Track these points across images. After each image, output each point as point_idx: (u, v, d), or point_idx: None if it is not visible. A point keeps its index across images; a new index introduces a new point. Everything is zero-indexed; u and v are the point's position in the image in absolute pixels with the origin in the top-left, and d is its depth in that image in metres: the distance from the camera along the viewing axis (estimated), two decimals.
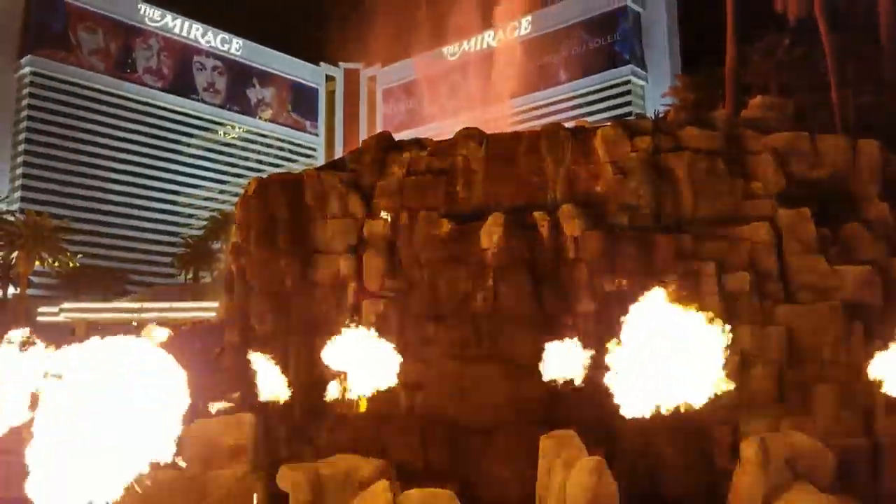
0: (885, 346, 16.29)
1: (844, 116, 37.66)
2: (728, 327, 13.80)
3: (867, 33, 39.60)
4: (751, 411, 17.82)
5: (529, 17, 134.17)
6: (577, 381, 17.95)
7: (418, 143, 24.13)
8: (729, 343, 13.68)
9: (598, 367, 17.98)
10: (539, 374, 18.33)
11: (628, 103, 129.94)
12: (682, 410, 13.36)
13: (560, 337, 18.98)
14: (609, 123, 23.63)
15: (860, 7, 39.81)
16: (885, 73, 36.90)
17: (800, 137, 22.14)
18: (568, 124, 25.86)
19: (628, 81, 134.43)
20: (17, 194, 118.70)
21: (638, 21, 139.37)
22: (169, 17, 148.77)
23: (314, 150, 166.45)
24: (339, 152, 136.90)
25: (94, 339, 7.38)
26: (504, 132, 25.47)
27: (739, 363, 18.37)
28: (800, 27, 42.05)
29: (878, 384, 16.32)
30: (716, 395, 13.56)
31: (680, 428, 17.35)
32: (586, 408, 17.43)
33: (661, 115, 47.09)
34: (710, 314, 13.76)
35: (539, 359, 18.36)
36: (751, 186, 21.40)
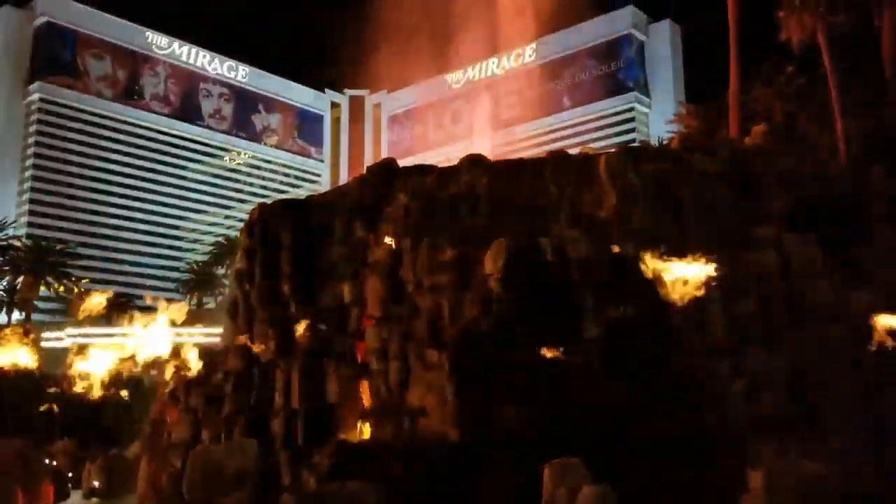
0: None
1: (849, 143, 37.69)
2: None
3: (870, 60, 39.78)
4: (759, 437, 17.66)
5: (533, 45, 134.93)
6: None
7: (423, 170, 24.21)
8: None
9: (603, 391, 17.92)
10: (544, 401, 18.22)
11: (632, 130, 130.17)
12: None
13: (565, 363, 18.92)
14: (614, 149, 23.71)
15: (863, 34, 40.02)
16: (888, 100, 36.99)
17: (805, 163, 22.19)
18: (572, 151, 25.94)
19: (632, 108, 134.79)
20: (24, 219, 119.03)
21: (641, 49, 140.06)
22: (176, 45, 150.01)
23: (319, 175, 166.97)
24: (343, 178, 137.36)
25: None
26: (508, 158, 25.56)
27: (747, 388, 18.29)
28: (803, 55, 42.25)
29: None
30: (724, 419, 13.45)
31: (687, 454, 17.21)
32: (592, 434, 17.31)
33: (665, 143, 47.25)
34: None
35: (544, 384, 18.26)
36: (757, 211, 21.38)
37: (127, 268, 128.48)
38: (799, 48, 40.91)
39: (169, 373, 26.94)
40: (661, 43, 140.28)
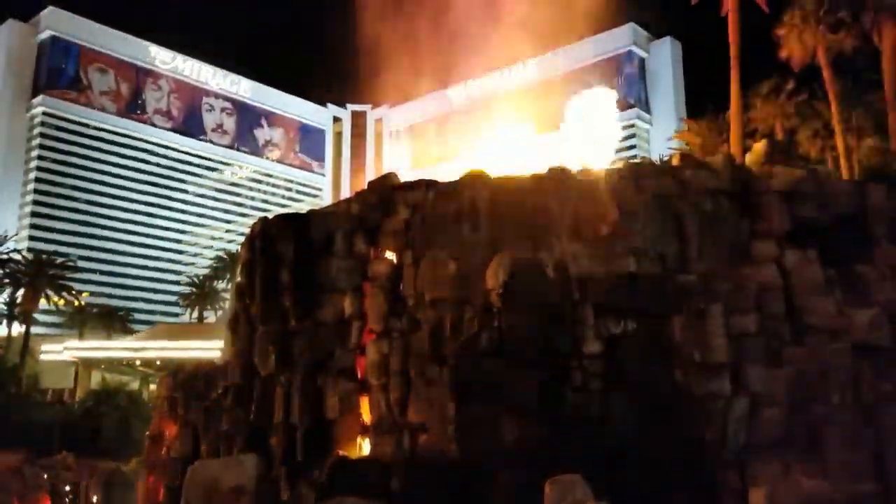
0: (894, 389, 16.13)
1: (850, 160, 37.80)
2: None
3: (870, 78, 39.96)
4: (760, 454, 17.60)
5: (535, 61, 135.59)
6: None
7: (424, 184, 24.19)
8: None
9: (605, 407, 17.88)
10: (545, 416, 18.17)
11: (633, 146, 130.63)
12: None
13: (566, 379, 18.89)
14: (615, 166, 23.76)
15: (863, 53, 40.21)
16: (888, 118, 37.10)
17: (805, 179, 22.19)
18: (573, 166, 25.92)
19: (633, 125, 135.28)
20: (26, 232, 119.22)
21: (642, 65, 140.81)
22: (179, 59, 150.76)
23: (320, 189, 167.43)
24: (345, 192, 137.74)
25: None
26: (510, 174, 25.56)
27: (748, 405, 18.24)
28: (803, 72, 42.46)
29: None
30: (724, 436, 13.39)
31: (688, 471, 17.13)
32: (593, 451, 17.25)
33: (666, 159, 47.42)
34: None
35: (545, 400, 18.23)
36: (757, 228, 21.38)
37: (128, 281, 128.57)
38: (799, 66, 41.13)
39: (166, 386, 26.89)
40: (662, 60, 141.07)
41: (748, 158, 26.54)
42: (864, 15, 37.95)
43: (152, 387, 57.47)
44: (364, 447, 21.29)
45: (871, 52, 38.83)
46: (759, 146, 26.95)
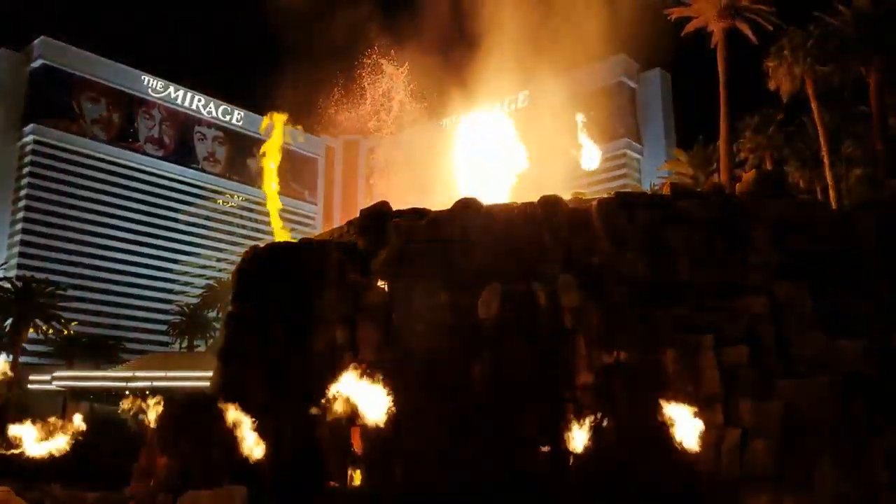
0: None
1: (838, 190, 38.07)
2: None
3: (858, 110, 40.33)
4: (751, 487, 17.50)
5: (526, 92, 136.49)
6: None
7: (416, 213, 24.21)
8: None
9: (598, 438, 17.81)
10: (538, 447, 18.08)
11: (624, 176, 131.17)
12: None
13: (558, 409, 18.82)
14: (606, 195, 23.85)
15: (851, 84, 40.63)
16: (876, 149, 37.44)
17: (796, 210, 22.32)
18: (564, 196, 26.06)
19: (624, 154, 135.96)
20: (15, 261, 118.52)
21: (633, 96, 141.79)
22: (172, 88, 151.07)
23: (312, 219, 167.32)
24: (337, 221, 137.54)
25: None
26: (502, 203, 25.62)
27: (739, 437, 18.17)
28: (792, 103, 42.84)
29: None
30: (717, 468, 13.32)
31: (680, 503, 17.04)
32: (586, 480, 17.15)
33: (656, 188, 47.67)
34: None
35: (537, 431, 18.14)
36: (748, 259, 21.44)
37: (118, 310, 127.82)
38: (787, 97, 41.51)
39: (155, 415, 26.62)
40: (652, 90, 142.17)
41: (738, 188, 26.69)
42: (851, 48, 38.37)
43: (141, 417, 56.87)
44: (356, 478, 21.10)
45: (859, 83, 39.24)
46: (749, 176, 27.11)
